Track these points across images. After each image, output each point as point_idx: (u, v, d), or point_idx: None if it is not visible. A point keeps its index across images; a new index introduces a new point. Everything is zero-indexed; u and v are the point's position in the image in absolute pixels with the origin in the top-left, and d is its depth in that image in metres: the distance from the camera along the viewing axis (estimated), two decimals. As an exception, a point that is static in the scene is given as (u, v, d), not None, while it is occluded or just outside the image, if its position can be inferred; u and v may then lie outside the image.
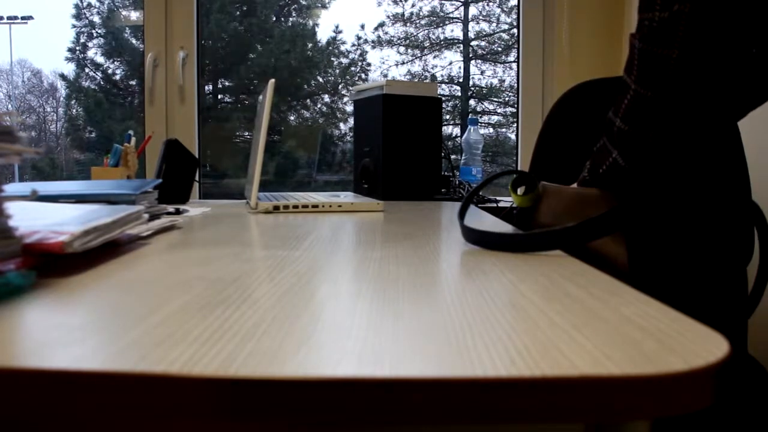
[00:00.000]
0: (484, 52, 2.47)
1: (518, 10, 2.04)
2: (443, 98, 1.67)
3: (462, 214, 0.79)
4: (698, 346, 0.31)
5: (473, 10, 2.42)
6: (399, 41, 2.42)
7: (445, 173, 1.64)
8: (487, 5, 2.40)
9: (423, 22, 2.45)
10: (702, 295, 0.85)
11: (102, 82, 2.44)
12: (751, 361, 0.94)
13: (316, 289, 0.45)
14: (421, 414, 0.27)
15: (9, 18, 2.42)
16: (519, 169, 2.00)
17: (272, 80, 1.11)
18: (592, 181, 0.85)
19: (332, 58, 2.43)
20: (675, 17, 0.67)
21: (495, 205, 1.55)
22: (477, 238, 0.67)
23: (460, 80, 2.46)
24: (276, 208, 1.09)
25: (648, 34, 0.70)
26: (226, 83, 2.43)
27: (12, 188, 0.56)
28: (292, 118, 2.47)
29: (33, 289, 0.43)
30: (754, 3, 0.66)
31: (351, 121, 2.08)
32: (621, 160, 0.78)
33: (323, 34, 2.39)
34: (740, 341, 0.88)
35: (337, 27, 2.36)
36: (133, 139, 1.45)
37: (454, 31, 2.47)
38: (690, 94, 0.70)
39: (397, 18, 2.40)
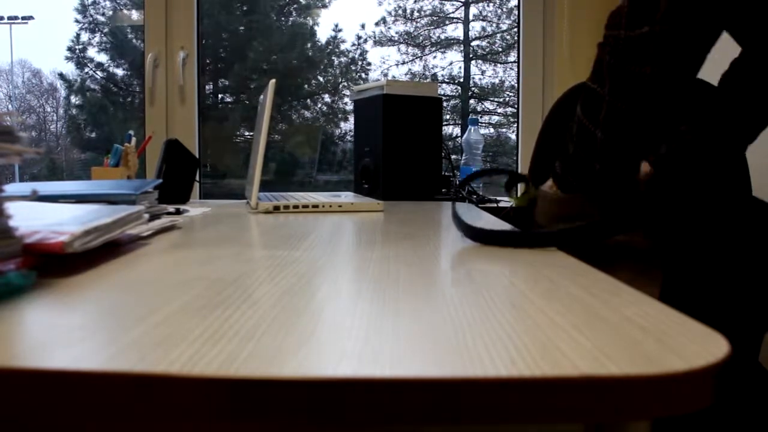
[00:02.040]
0: (485, 52, 2.47)
1: (518, 10, 2.04)
2: (444, 98, 1.67)
3: (455, 212, 0.77)
4: (698, 346, 0.30)
5: (473, 10, 2.42)
6: (400, 40, 2.42)
7: (446, 173, 1.64)
8: (488, 5, 2.40)
9: (424, 21, 2.45)
10: (718, 300, 0.85)
11: (103, 82, 2.44)
12: (760, 370, 0.94)
13: (316, 289, 0.45)
14: (420, 414, 0.27)
15: (9, 18, 2.42)
16: (517, 169, 2.00)
17: (273, 80, 1.11)
18: (577, 186, 0.86)
19: (332, 58, 2.43)
20: (647, 37, 0.71)
21: (495, 205, 1.55)
22: (475, 234, 0.67)
23: (461, 80, 2.46)
24: (276, 208, 1.09)
25: (619, 49, 0.73)
26: (227, 83, 2.43)
27: (12, 188, 0.56)
28: (293, 117, 2.47)
29: (33, 289, 0.43)
30: (722, 24, 0.71)
31: (351, 120, 2.08)
32: (603, 168, 0.81)
33: (323, 34, 2.39)
34: (753, 349, 0.88)
35: (337, 26, 2.37)
36: (134, 139, 1.45)
37: (456, 30, 2.47)
38: (665, 106, 0.74)
39: (399, 15, 2.40)
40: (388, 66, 2.43)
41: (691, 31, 0.71)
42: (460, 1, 2.40)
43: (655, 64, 0.72)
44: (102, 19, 2.41)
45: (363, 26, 2.38)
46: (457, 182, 1.68)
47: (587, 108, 0.81)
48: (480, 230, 0.66)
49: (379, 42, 2.40)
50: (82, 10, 2.36)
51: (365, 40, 2.40)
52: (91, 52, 2.40)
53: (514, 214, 0.92)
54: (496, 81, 2.47)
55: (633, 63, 0.73)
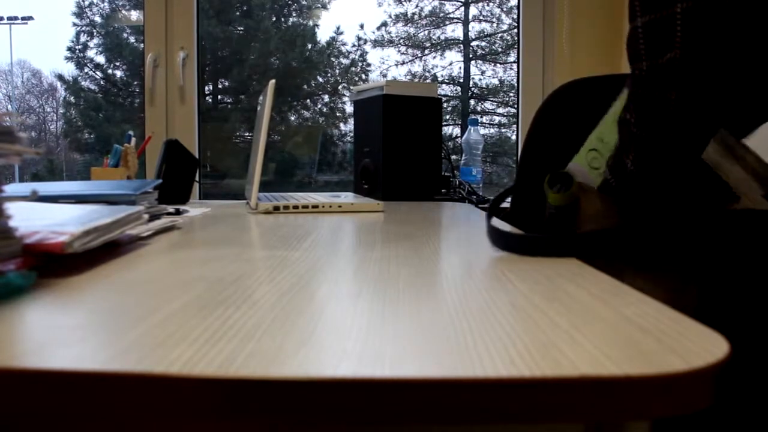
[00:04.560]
0: (485, 53, 2.47)
1: (518, 10, 2.04)
2: (444, 98, 1.67)
3: (490, 218, 0.75)
4: (698, 346, 0.31)
5: (473, 10, 2.42)
6: (400, 41, 2.42)
7: (445, 174, 1.64)
8: (488, 5, 2.41)
9: (424, 22, 2.45)
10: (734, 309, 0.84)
11: (102, 83, 2.44)
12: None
13: (316, 289, 0.45)
14: (421, 414, 0.27)
15: (9, 18, 2.42)
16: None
17: (272, 81, 1.11)
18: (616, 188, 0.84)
19: (332, 59, 2.43)
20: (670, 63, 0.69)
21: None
22: (509, 243, 0.65)
23: (461, 80, 2.46)
24: (276, 208, 1.09)
25: (641, 79, 0.72)
26: (227, 83, 2.43)
27: (12, 188, 0.56)
28: (292, 118, 2.47)
29: (33, 289, 0.43)
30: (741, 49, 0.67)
31: (351, 121, 2.08)
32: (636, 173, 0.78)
33: (323, 35, 2.39)
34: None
35: (338, 28, 2.37)
36: (133, 140, 1.45)
37: (455, 31, 2.47)
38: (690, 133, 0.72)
39: (399, 18, 2.40)
40: (387, 66, 2.43)
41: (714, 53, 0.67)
42: (460, 1, 2.41)
43: (680, 90, 0.69)
44: (100, 20, 2.41)
45: (362, 26, 2.39)
46: (458, 182, 1.68)
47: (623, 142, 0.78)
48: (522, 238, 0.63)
49: (379, 43, 2.40)
50: (79, 13, 2.36)
51: (365, 41, 2.40)
52: (91, 53, 2.40)
53: (555, 214, 0.87)
54: (496, 81, 2.48)
55: (657, 90, 0.70)
